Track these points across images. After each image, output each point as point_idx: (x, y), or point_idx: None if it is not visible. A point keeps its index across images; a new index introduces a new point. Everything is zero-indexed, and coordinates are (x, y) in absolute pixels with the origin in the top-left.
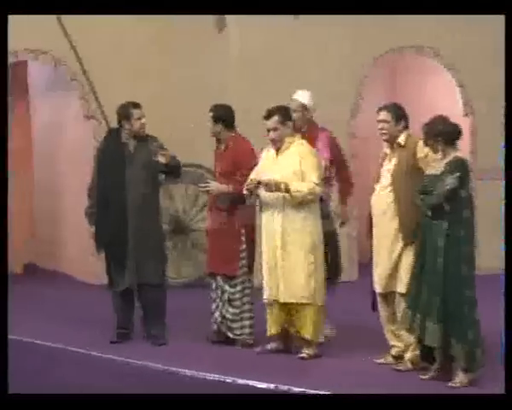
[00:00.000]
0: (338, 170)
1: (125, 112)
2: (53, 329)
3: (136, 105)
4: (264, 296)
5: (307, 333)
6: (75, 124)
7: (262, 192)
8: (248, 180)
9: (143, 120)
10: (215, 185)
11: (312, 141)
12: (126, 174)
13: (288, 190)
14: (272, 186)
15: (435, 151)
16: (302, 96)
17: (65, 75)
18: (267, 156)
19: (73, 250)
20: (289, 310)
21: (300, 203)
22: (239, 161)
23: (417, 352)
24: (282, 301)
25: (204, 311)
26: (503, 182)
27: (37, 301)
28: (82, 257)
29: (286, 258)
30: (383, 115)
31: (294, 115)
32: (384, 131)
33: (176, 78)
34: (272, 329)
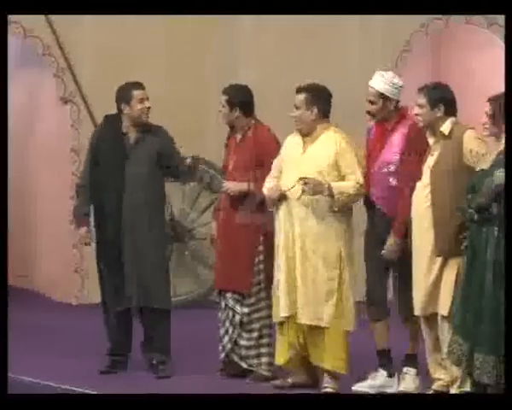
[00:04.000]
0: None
1: (124, 93)
2: (27, 360)
3: (138, 85)
4: (281, 313)
5: (325, 361)
6: (50, 109)
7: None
8: (269, 183)
9: (147, 104)
10: (232, 185)
11: (388, 132)
12: (126, 172)
13: (330, 194)
14: (314, 188)
15: None
16: (377, 82)
17: (36, 49)
18: (291, 145)
19: (50, 265)
20: (307, 333)
21: (344, 206)
22: (260, 155)
23: (466, 388)
24: (298, 321)
25: (206, 336)
26: None
27: None
28: (61, 273)
29: (305, 268)
30: (417, 99)
31: (372, 107)
32: (419, 119)
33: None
34: (281, 356)
